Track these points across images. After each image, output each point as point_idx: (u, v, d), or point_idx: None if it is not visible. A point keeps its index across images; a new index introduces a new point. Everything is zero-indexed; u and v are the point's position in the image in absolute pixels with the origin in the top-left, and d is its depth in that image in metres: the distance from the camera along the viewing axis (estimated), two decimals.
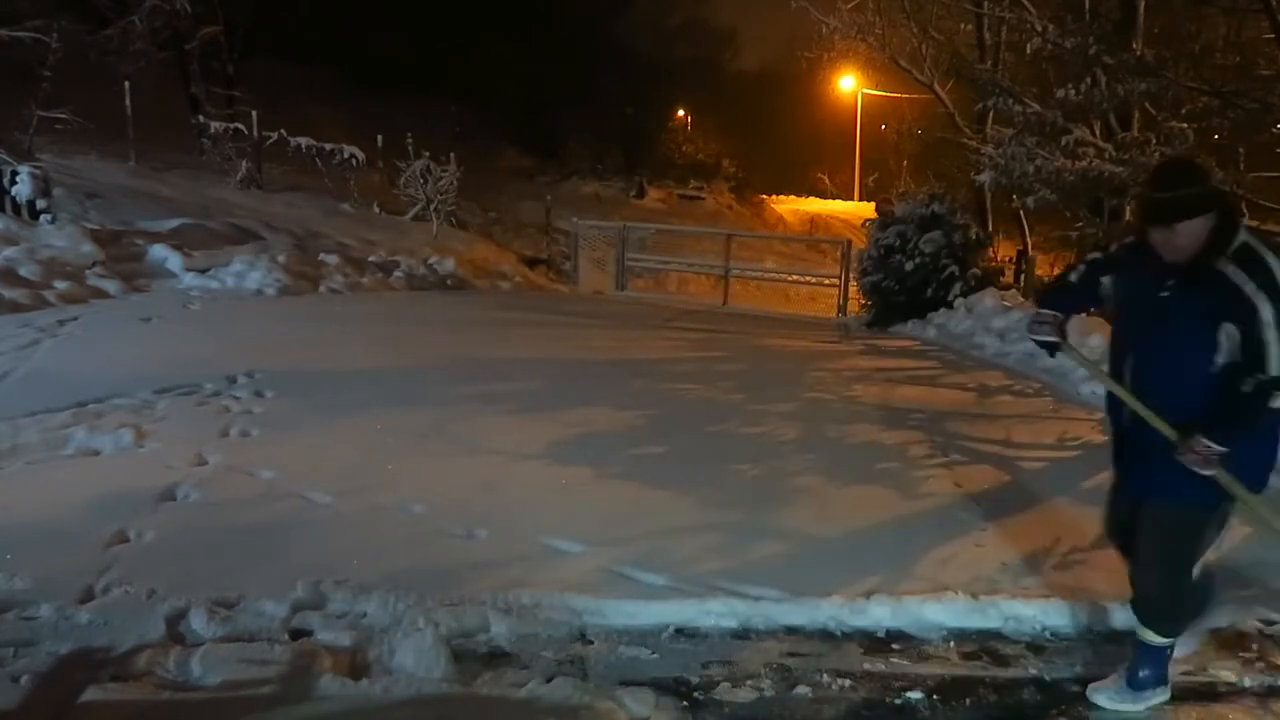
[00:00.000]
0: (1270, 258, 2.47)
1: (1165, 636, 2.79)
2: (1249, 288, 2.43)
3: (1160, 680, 2.83)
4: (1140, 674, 2.82)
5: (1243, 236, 2.52)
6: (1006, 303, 9.72)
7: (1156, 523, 2.71)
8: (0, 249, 9.28)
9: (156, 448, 4.70)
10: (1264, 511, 2.66)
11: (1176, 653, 2.90)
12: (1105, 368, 2.87)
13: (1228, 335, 2.48)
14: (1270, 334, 2.42)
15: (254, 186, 16.21)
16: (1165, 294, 2.57)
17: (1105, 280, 2.80)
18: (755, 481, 4.69)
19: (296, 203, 15.80)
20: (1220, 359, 2.51)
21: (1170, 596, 2.76)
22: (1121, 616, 3.35)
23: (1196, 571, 2.82)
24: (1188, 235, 2.49)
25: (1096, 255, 2.88)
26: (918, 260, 10.72)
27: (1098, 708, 2.85)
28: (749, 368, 7.96)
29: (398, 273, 12.19)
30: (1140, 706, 2.81)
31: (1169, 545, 2.72)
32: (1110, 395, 2.78)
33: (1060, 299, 2.95)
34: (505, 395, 6.13)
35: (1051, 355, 2.99)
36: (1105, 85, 9.68)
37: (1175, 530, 2.70)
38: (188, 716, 2.56)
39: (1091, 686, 2.88)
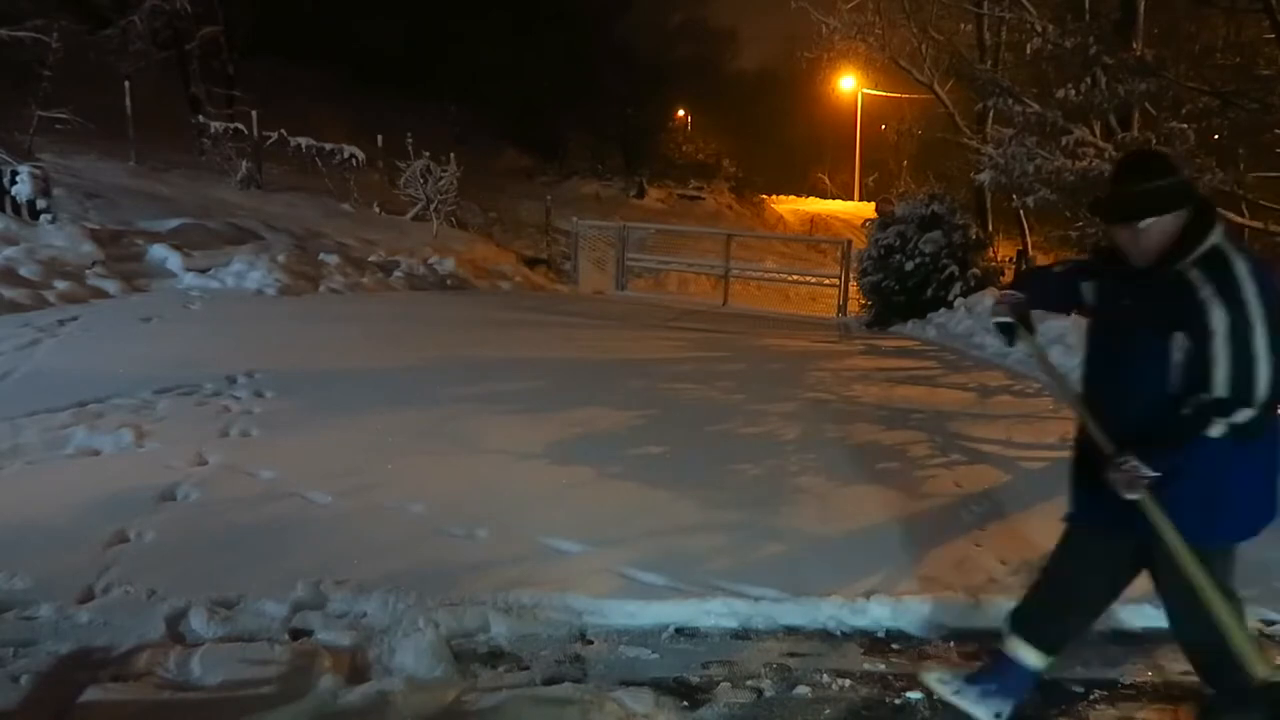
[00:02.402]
0: (1239, 262, 2.19)
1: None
2: (1205, 292, 2.16)
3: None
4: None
5: (1215, 239, 2.23)
6: None
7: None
8: (0, 249, 9.27)
9: (156, 448, 4.69)
10: (1193, 570, 2.25)
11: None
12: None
13: (1179, 347, 2.21)
14: (1219, 347, 2.14)
15: (254, 186, 16.21)
16: (1127, 301, 2.33)
17: (1086, 286, 2.53)
18: (755, 481, 4.69)
19: (296, 203, 15.80)
20: (1175, 373, 2.23)
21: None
22: (1122, 616, 3.36)
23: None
24: (1156, 235, 2.23)
25: (1084, 257, 2.72)
26: (918, 260, 10.73)
27: (1097, 708, 2.85)
28: (749, 368, 7.95)
29: (398, 273, 12.19)
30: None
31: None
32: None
33: (1032, 285, 2.75)
34: (505, 395, 6.13)
35: (1009, 342, 2.74)
36: (1105, 85, 9.68)
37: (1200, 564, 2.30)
38: (188, 716, 2.56)
39: None
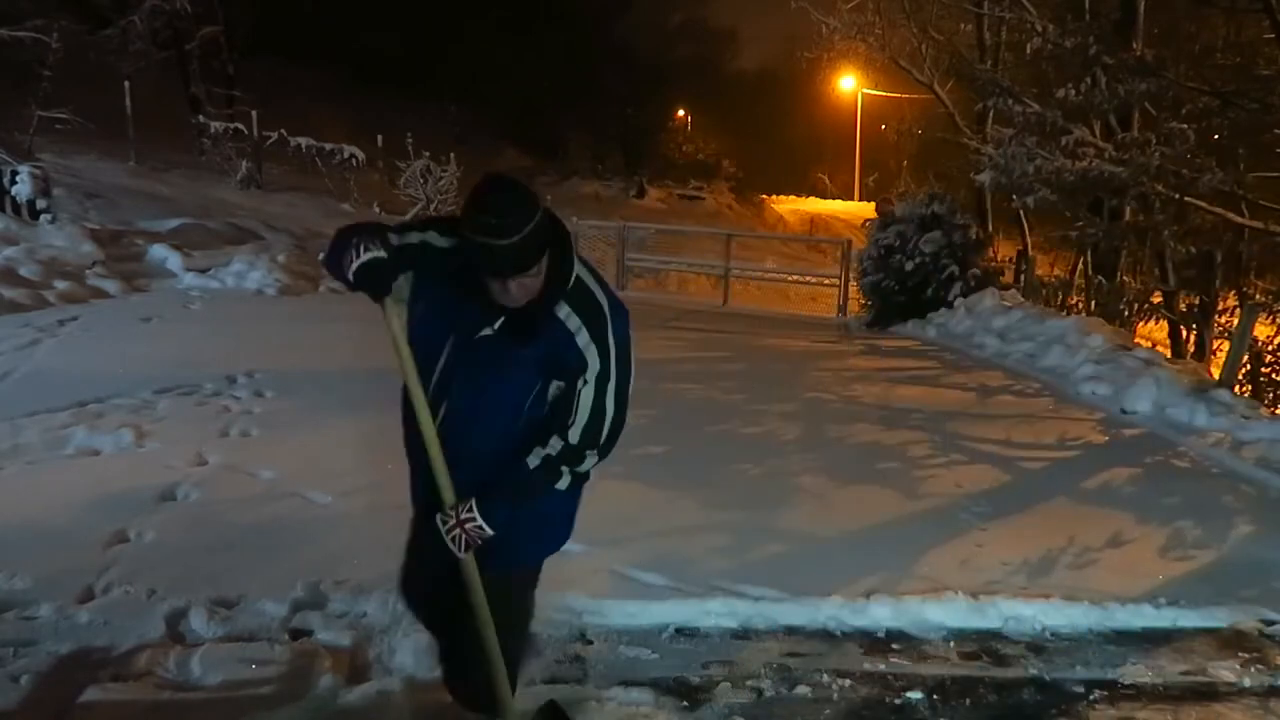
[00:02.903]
0: (603, 297, 1.98)
1: None
2: (581, 338, 1.93)
3: None
4: None
5: (576, 268, 1.96)
6: (1006, 303, 9.73)
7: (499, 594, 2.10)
8: (0, 249, 9.28)
9: (156, 448, 4.69)
10: (480, 610, 2.05)
11: None
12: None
13: (550, 389, 1.98)
14: (586, 394, 1.95)
15: (254, 186, 16.22)
16: (489, 333, 1.95)
17: (403, 278, 2.02)
18: (755, 481, 4.69)
19: (296, 203, 15.82)
20: (533, 415, 1.99)
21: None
22: (1122, 616, 3.36)
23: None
24: (538, 277, 1.89)
25: (395, 238, 1.98)
26: (918, 260, 10.73)
27: (1097, 708, 2.85)
28: (749, 368, 7.96)
29: None
30: None
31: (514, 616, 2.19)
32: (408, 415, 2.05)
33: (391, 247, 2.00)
34: None
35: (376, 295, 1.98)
36: (1105, 85, 9.69)
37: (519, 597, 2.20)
38: (188, 716, 2.56)
39: None
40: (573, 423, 1.97)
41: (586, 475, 2.08)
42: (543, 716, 2.39)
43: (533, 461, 1.98)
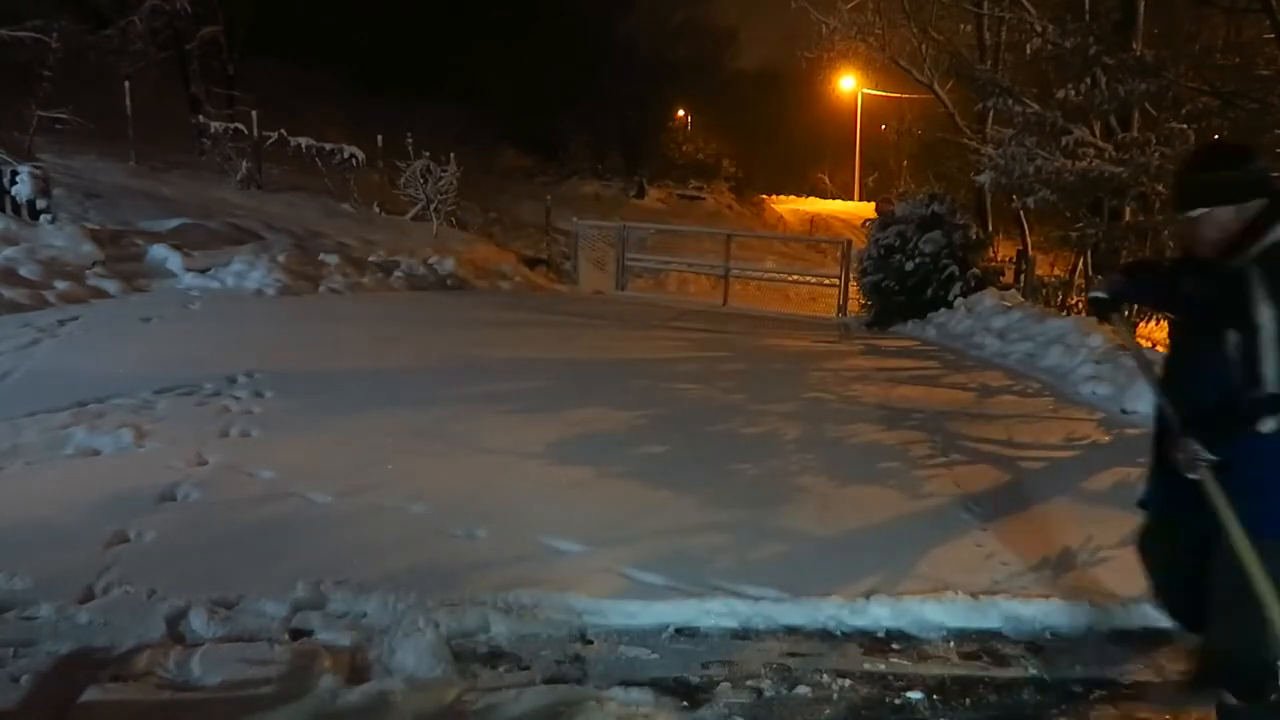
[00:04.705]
0: None
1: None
2: (1258, 293, 2.13)
3: None
4: None
5: (1277, 237, 2.17)
6: (1006, 303, 9.72)
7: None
8: (0, 249, 9.28)
9: (156, 448, 4.69)
10: (1248, 556, 2.21)
11: None
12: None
13: (1233, 343, 2.19)
14: (1268, 349, 2.13)
15: (254, 186, 16.21)
16: (1189, 292, 2.34)
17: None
18: (755, 481, 4.69)
19: (296, 203, 15.80)
20: (1232, 368, 2.20)
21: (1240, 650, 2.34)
22: (1122, 616, 3.36)
23: None
24: (1210, 226, 2.21)
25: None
26: (918, 260, 10.73)
27: (1097, 708, 2.84)
28: (749, 368, 7.96)
29: (398, 273, 12.19)
30: None
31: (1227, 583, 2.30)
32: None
33: (1135, 273, 2.79)
34: (505, 395, 6.13)
35: (1101, 318, 2.76)
36: (1105, 85, 9.69)
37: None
38: (188, 716, 2.56)
39: None
40: (1261, 375, 2.14)
41: None
42: None
43: (1238, 403, 2.20)
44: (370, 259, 12.50)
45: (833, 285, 13.51)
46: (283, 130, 17.10)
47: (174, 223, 11.93)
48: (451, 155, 17.09)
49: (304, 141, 17.31)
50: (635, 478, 4.60)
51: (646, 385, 6.81)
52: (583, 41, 28.55)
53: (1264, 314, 2.13)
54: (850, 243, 13.43)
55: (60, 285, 8.92)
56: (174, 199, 13.88)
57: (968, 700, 2.87)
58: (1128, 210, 12.10)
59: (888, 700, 2.86)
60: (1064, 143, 9.68)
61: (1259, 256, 2.17)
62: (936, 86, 16.84)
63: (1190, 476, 2.28)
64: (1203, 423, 2.27)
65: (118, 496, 3.99)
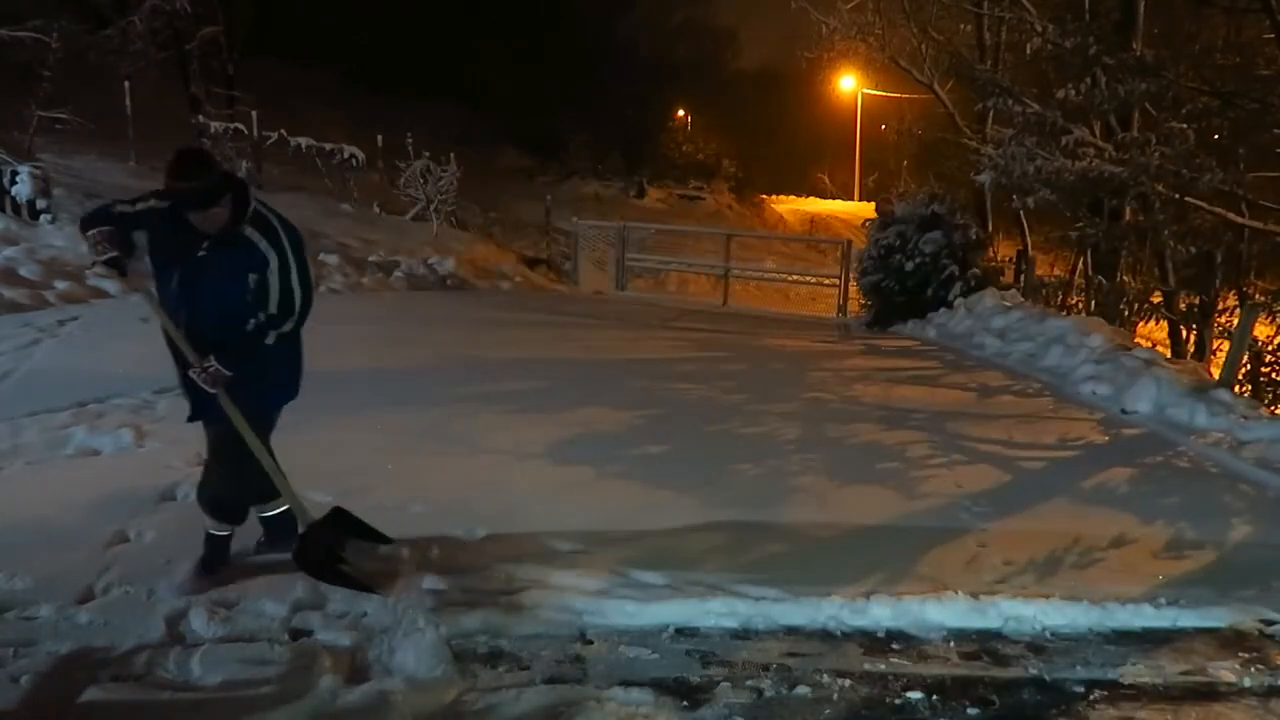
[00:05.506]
0: (275, 220, 3.13)
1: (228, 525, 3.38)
2: (263, 244, 3.06)
3: (221, 559, 3.36)
4: (207, 559, 3.33)
5: (255, 206, 3.09)
6: (1006, 303, 9.72)
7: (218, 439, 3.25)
8: (0, 249, 9.28)
9: (156, 448, 4.70)
10: (248, 435, 3.14)
11: None
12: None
13: (251, 281, 3.06)
14: (274, 280, 3.07)
15: (254, 186, 16.17)
16: (203, 253, 3.05)
17: (138, 235, 3.12)
18: (755, 481, 4.69)
19: (296, 203, 15.75)
20: (246, 301, 3.07)
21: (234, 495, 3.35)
22: (1122, 616, 3.36)
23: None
24: (224, 210, 2.99)
25: (127, 209, 3.11)
26: (918, 260, 10.73)
27: (1097, 708, 2.84)
28: (749, 368, 7.96)
29: (398, 273, 12.19)
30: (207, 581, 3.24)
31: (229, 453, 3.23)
32: (170, 339, 3.19)
33: (112, 222, 3.10)
34: (505, 395, 6.13)
35: (122, 276, 3.18)
36: (1105, 85, 9.68)
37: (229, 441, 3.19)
38: (188, 716, 2.56)
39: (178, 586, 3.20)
40: (269, 300, 3.10)
41: (289, 335, 3.20)
42: (330, 519, 3.39)
43: (248, 328, 3.10)
44: (370, 259, 12.50)
45: (833, 285, 13.51)
46: (283, 130, 17.09)
47: None
48: (451, 155, 17.09)
49: (304, 141, 17.30)
50: (635, 478, 4.60)
51: (646, 385, 6.81)
52: (583, 41, 28.56)
53: (272, 258, 3.07)
54: (850, 243, 13.43)
55: (60, 285, 8.93)
56: None
57: (968, 700, 2.87)
58: (1128, 210, 12.10)
59: (888, 700, 2.86)
60: (1064, 142, 9.67)
61: (251, 221, 3.07)
62: (936, 86, 16.83)
63: (210, 391, 3.09)
64: (222, 345, 3.07)
65: (118, 496, 3.99)
